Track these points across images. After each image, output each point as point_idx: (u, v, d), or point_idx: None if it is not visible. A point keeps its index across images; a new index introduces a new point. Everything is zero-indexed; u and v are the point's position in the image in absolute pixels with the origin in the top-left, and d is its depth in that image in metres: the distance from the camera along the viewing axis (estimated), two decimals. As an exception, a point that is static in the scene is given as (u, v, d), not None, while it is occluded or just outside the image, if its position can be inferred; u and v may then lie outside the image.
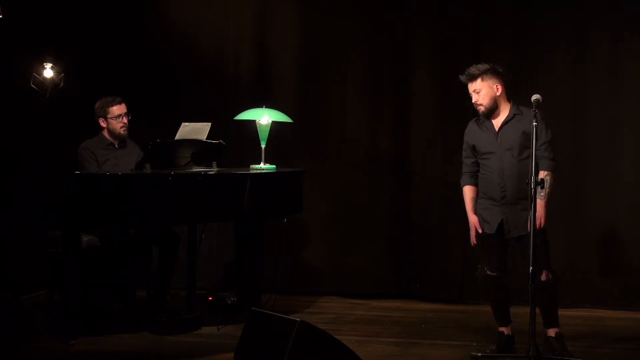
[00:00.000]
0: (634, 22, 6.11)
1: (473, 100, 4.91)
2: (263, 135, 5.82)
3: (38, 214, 5.42)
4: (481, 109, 4.90)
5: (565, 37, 6.23)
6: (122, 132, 5.78)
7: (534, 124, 4.53)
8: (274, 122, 5.85)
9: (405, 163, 6.53)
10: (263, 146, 5.83)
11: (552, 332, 4.90)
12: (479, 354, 4.89)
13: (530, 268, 4.42)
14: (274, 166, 5.83)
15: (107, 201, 5.06)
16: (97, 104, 5.79)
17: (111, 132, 5.78)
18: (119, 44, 6.76)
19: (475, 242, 4.98)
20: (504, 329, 5.02)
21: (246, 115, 5.91)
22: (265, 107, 5.89)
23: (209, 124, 5.66)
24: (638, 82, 6.13)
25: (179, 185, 5.24)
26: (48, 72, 6.16)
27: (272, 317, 4.28)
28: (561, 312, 4.92)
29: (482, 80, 4.86)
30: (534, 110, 4.59)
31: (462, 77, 4.93)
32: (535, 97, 4.67)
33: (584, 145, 6.21)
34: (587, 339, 5.34)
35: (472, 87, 4.90)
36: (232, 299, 5.80)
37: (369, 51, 6.59)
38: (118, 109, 5.76)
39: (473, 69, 4.89)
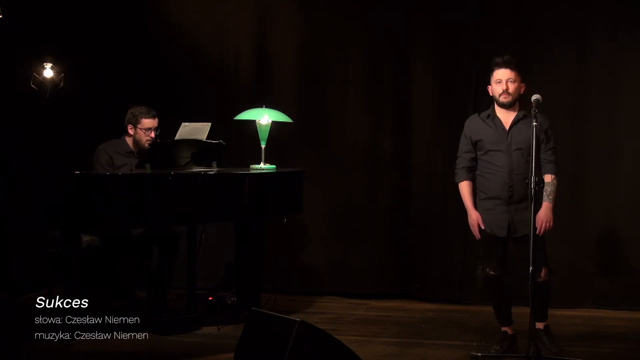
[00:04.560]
0: (634, 22, 6.11)
1: (503, 88, 4.83)
2: (263, 135, 5.81)
3: (38, 214, 5.42)
4: (508, 99, 4.84)
5: (565, 37, 6.23)
6: (146, 145, 5.68)
7: (534, 124, 4.56)
8: (274, 122, 5.85)
9: (405, 163, 6.52)
10: (263, 146, 5.82)
11: (540, 325, 4.96)
12: (479, 354, 4.89)
13: (531, 268, 4.43)
14: (274, 166, 5.82)
15: (107, 201, 5.06)
16: (131, 110, 5.71)
17: (136, 142, 5.71)
18: (119, 44, 6.76)
19: (479, 237, 4.92)
20: (507, 329, 5.03)
21: (246, 115, 5.91)
22: (265, 107, 5.89)
23: (209, 124, 5.65)
24: (638, 82, 6.13)
25: (179, 185, 5.24)
26: (48, 72, 6.15)
27: (272, 317, 4.28)
28: (561, 312, 4.93)
29: (518, 73, 4.84)
30: (534, 110, 4.63)
31: (501, 60, 4.81)
32: (535, 97, 4.71)
33: (584, 145, 6.21)
34: (587, 339, 5.35)
35: (508, 74, 4.82)
36: (232, 299, 5.80)
37: (369, 51, 6.58)
38: (150, 122, 5.68)
39: (512, 58, 4.82)
